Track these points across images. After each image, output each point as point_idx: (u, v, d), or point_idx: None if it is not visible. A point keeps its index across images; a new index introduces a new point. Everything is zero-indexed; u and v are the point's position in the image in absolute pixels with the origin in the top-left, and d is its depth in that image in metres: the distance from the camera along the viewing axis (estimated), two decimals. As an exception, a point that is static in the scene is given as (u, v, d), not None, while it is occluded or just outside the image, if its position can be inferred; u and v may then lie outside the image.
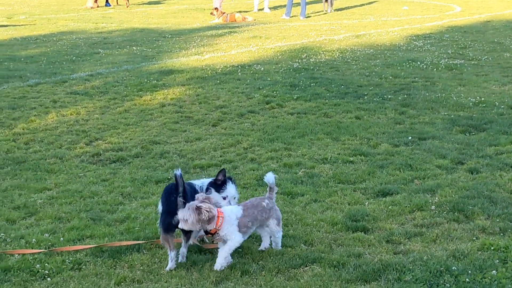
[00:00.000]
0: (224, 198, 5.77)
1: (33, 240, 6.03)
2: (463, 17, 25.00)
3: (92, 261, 5.64)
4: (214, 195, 5.74)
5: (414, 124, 9.88)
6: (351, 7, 29.83)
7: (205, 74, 13.75)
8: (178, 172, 5.39)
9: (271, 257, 5.63)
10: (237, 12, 25.88)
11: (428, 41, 18.40)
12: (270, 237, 5.79)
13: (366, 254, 5.70)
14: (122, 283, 5.30)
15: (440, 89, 12.14)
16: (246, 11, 27.53)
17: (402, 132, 9.43)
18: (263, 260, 5.59)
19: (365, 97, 11.60)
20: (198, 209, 5.25)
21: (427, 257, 5.54)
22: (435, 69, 14.13)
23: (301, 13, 25.28)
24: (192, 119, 10.36)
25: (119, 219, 6.52)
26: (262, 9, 28.18)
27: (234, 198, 5.83)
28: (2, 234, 6.20)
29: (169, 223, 5.48)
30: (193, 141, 9.22)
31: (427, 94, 11.73)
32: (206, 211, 5.25)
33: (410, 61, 14.93)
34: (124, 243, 5.88)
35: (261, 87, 12.42)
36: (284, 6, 26.38)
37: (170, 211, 5.45)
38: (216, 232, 5.41)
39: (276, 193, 5.84)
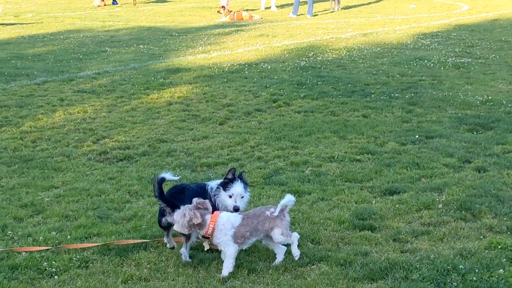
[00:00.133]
0: (230, 197, 5.72)
1: (40, 238, 6.04)
2: (471, 15, 24.93)
3: (99, 259, 5.65)
4: (221, 194, 5.73)
5: (421, 122, 9.86)
6: (358, 5, 29.79)
7: (212, 73, 13.75)
8: (158, 177, 5.59)
9: (278, 256, 5.63)
10: (244, 10, 25.89)
11: (435, 39, 18.35)
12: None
13: (373, 252, 5.70)
14: (129, 281, 5.31)
15: (447, 88, 12.11)
16: (253, 10, 27.52)
17: (409, 130, 9.41)
18: (270, 259, 5.59)
19: (372, 95, 11.58)
20: (184, 214, 5.30)
21: (434, 256, 5.53)
22: (442, 68, 14.09)
23: (308, 11, 25.27)
24: (199, 118, 10.36)
25: (126, 217, 6.53)
26: (269, 8, 28.16)
27: (242, 197, 5.74)
28: (10, 232, 6.21)
29: (159, 222, 5.75)
30: (200, 139, 9.22)
31: (434, 92, 11.70)
32: (190, 217, 5.26)
33: (417, 60, 14.89)
34: (131, 241, 5.89)
35: (268, 86, 12.42)
36: (291, 4, 26.36)
37: (160, 211, 5.71)
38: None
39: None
